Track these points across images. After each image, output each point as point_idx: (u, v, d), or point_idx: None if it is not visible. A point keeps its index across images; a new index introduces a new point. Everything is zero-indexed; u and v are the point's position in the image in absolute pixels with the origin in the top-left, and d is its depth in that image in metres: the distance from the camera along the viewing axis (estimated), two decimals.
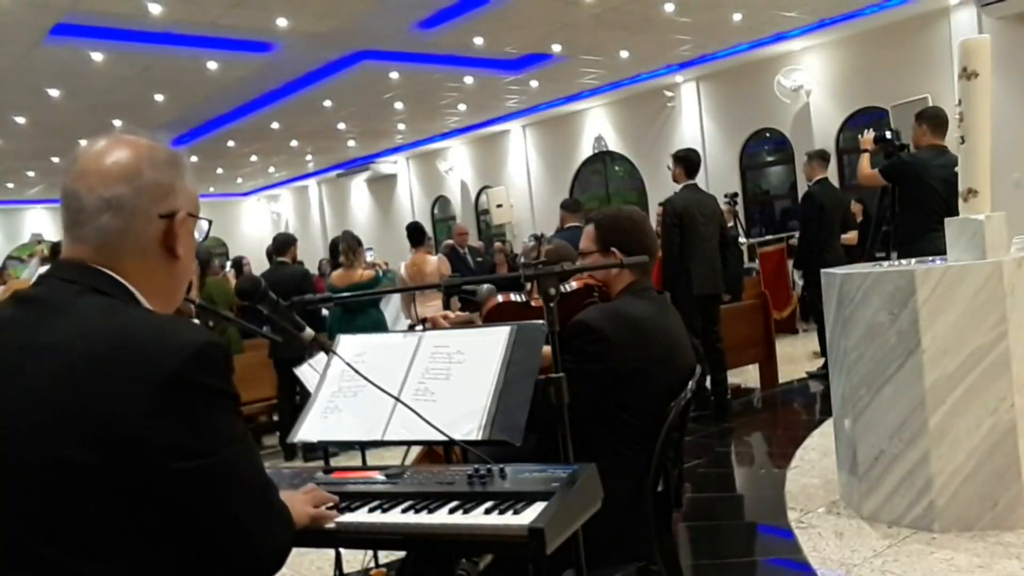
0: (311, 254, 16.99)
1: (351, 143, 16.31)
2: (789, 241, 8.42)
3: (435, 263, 7.14)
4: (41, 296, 1.24)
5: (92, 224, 1.25)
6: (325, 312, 6.33)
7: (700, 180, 6.17)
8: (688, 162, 5.95)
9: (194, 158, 15.83)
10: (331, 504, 1.58)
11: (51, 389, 1.12)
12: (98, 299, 1.22)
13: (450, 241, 11.60)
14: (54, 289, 1.23)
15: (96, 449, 1.09)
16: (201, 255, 6.80)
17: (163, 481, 1.12)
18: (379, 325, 6.39)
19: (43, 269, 1.32)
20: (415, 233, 7.27)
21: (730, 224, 9.40)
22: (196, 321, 1.86)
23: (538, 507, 1.44)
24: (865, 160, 5.67)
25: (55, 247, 6.55)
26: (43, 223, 18.95)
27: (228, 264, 6.63)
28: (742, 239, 9.12)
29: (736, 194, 10.95)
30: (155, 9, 7.70)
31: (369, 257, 7.54)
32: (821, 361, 6.43)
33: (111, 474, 1.10)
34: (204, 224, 1.40)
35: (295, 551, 1.37)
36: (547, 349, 1.85)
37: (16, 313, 1.23)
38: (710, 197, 6.10)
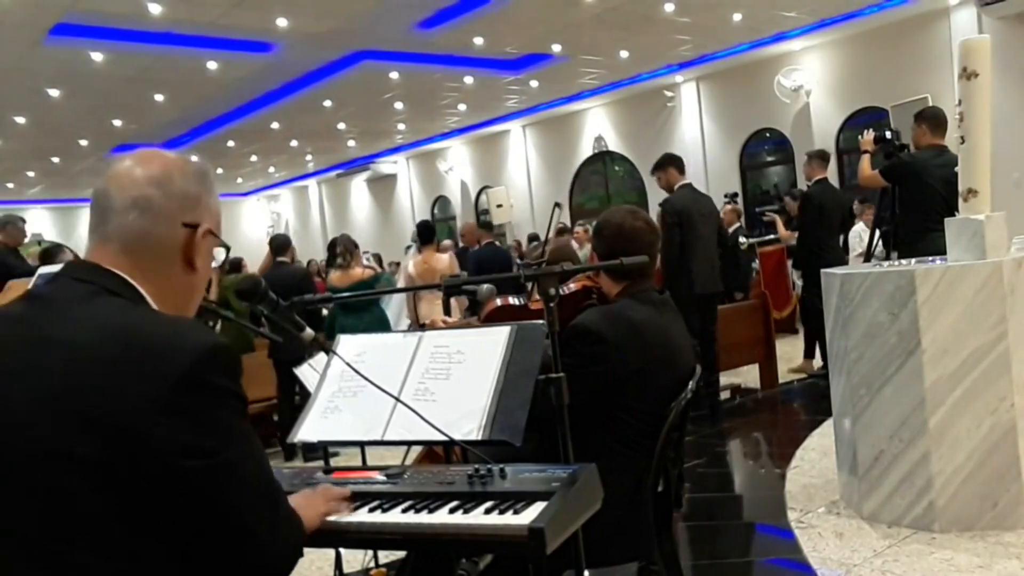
0: (312, 254, 16.99)
1: (351, 143, 16.31)
2: (789, 241, 8.41)
3: (447, 261, 6.99)
4: (52, 294, 1.24)
5: (117, 221, 1.28)
6: (324, 312, 6.32)
7: (700, 180, 6.19)
8: (675, 161, 5.97)
9: (194, 158, 15.80)
10: (343, 497, 1.59)
11: (61, 384, 1.13)
12: (111, 299, 1.23)
13: (448, 242, 11.60)
14: (65, 287, 1.24)
15: (105, 445, 1.10)
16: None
17: (170, 479, 1.12)
18: (383, 322, 6.38)
19: (44, 270, 1.34)
20: (425, 231, 7.19)
21: (736, 224, 9.41)
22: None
23: (538, 507, 1.44)
24: (866, 161, 5.67)
25: (45, 252, 6.51)
26: (43, 223, 18.94)
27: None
28: (742, 239, 9.12)
29: (736, 194, 10.96)
30: (155, 9, 7.70)
31: (365, 261, 7.53)
32: (821, 361, 6.43)
33: (119, 471, 1.10)
34: (222, 250, 1.42)
35: None
36: None
37: (27, 310, 1.23)
38: (706, 197, 6.11)
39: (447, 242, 11.44)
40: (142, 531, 1.13)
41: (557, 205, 3.40)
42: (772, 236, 7.92)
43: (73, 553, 1.11)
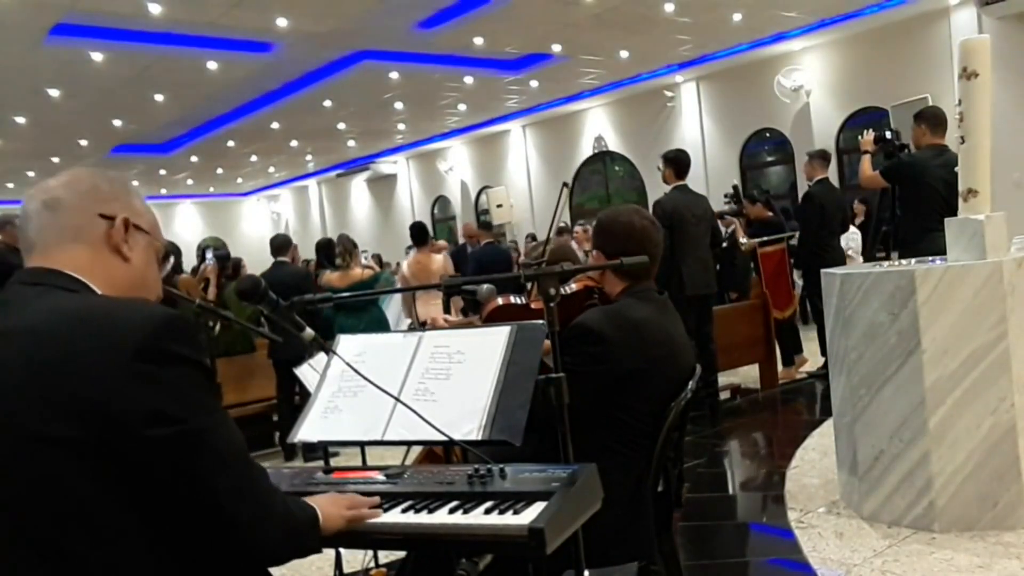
0: (312, 254, 17.01)
1: (351, 143, 16.31)
2: (789, 241, 8.42)
3: (441, 261, 7.04)
4: (6, 296, 1.27)
5: (32, 226, 1.32)
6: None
7: (700, 180, 6.18)
8: (679, 163, 5.94)
9: (194, 158, 15.84)
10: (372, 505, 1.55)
11: (25, 371, 1.15)
12: (64, 292, 1.26)
13: (442, 242, 11.61)
14: (18, 291, 1.27)
15: (75, 424, 1.12)
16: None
17: (141, 450, 1.14)
18: (382, 323, 6.38)
19: None
20: (419, 233, 7.21)
21: (734, 225, 9.39)
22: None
23: (538, 507, 1.44)
24: (866, 162, 5.67)
25: None
26: None
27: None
28: (743, 240, 9.11)
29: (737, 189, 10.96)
30: (155, 9, 7.70)
31: (364, 260, 7.54)
32: (821, 361, 6.43)
33: (92, 447, 1.12)
34: (163, 249, 1.44)
35: None
36: (546, 344, 1.85)
37: None
38: (701, 198, 6.10)
39: (441, 242, 11.44)
40: (127, 512, 1.15)
41: (565, 185, 3.33)
42: (773, 236, 7.91)
43: (65, 539, 1.12)
